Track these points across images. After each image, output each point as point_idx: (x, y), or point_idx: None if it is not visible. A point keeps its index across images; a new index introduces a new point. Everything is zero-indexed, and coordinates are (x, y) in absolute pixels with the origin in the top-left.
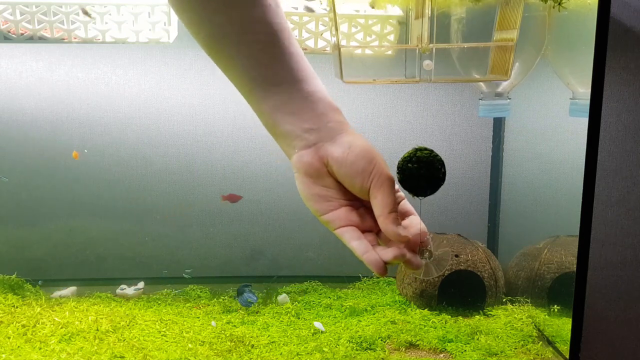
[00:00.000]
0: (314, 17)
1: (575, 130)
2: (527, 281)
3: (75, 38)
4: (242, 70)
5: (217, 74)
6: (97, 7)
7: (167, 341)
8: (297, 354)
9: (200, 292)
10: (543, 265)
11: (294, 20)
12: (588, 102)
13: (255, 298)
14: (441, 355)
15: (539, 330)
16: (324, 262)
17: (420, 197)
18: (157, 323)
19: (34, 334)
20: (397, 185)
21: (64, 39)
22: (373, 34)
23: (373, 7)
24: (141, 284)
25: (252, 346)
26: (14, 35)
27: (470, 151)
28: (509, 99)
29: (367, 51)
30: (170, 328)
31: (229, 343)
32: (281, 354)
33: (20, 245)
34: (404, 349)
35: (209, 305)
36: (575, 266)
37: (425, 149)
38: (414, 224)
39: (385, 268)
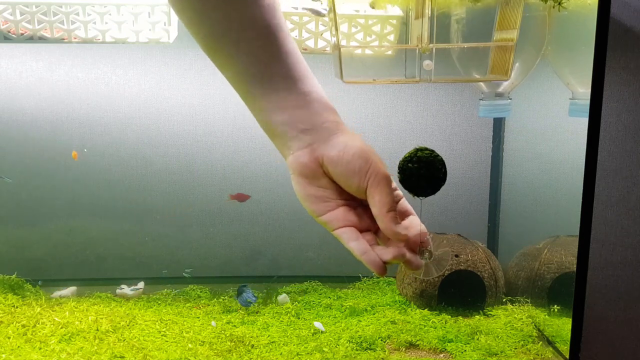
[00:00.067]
0: (314, 17)
1: (575, 130)
2: (527, 281)
3: (75, 38)
4: (239, 70)
5: (217, 74)
6: (97, 7)
7: (167, 341)
8: (297, 354)
9: (200, 292)
10: (543, 265)
11: (294, 20)
12: (588, 102)
13: (254, 298)
14: (441, 355)
15: (539, 330)
16: (324, 262)
17: (421, 197)
18: (157, 323)
19: (34, 334)
20: (395, 184)
21: (64, 39)
22: (373, 34)
23: (373, 8)
24: (141, 284)
25: (252, 346)
26: (14, 35)
27: (470, 151)
28: (510, 99)
29: (367, 51)
30: (170, 328)
31: (229, 343)
32: (281, 354)
33: (20, 245)
34: (404, 349)
35: (209, 305)
36: (575, 266)
37: (426, 149)
38: (414, 224)
39: (385, 268)
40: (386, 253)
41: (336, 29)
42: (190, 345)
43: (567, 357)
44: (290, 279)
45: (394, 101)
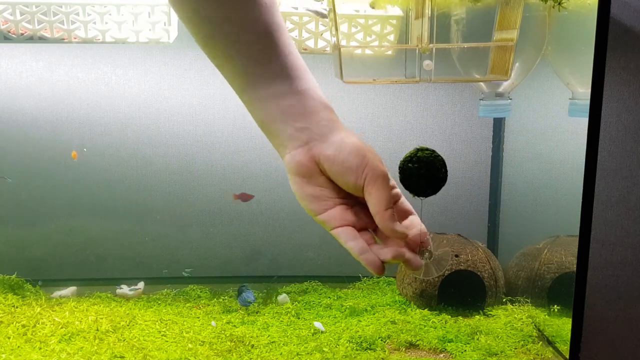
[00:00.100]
0: (314, 17)
1: (575, 130)
2: (527, 281)
3: (75, 38)
4: (236, 68)
5: (217, 74)
6: (97, 7)
7: (167, 341)
8: (297, 354)
9: (200, 292)
10: (543, 265)
11: (294, 20)
12: (587, 102)
13: (253, 297)
14: (441, 355)
15: (539, 330)
16: (324, 262)
17: (421, 197)
18: (157, 323)
19: (34, 334)
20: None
21: (64, 39)
22: (373, 34)
23: (373, 8)
24: (141, 284)
25: (252, 346)
26: (14, 35)
27: (470, 151)
28: (510, 99)
29: (367, 51)
30: (170, 328)
31: (229, 343)
32: (281, 354)
33: (20, 245)
34: (404, 349)
35: (209, 305)
36: (575, 266)
37: (427, 149)
38: (414, 223)
39: (383, 267)
40: (385, 253)
41: (336, 29)
42: (190, 345)
43: (567, 357)
44: (290, 279)
45: (394, 101)
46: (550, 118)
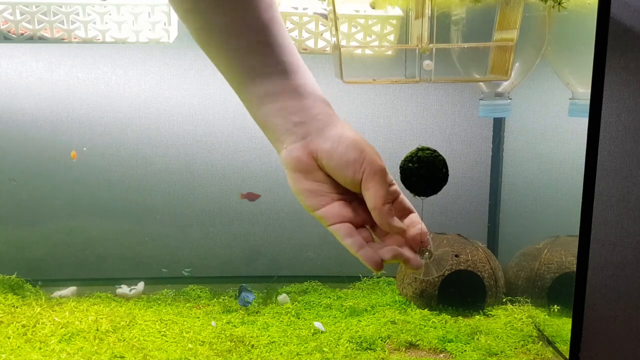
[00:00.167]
0: (314, 18)
1: (575, 130)
2: (527, 281)
3: (75, 38)
4: (233, 62)
5: (217, 74)
6: (97, 7)
7: (167, 341)
8: (297, 354)
9: (200, 292)
10: (543, 265)
11: (294, 20)
12: (587, 102)
13: (252, 297)
14: (441, 355)
15: (539, 330)
16: (324, 262)
17: (422, 197)
18: (157, 323)
19: (34, 334)
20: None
21: (64, 39)
22: (373, 34)
23: (373, 8)
24: (140, 284)
25: (252, 346)
26: (14, 35)
27: (470, 151)
28: (509, 99)
29: (367, 51)
30: (170, 328)
31: (229, 343)
32: (281, 354)
33: (20, 245)
34: (404, 349)
35: (209, 305)
36: (575, 266)
37: (428, 149)
38: (414, 222)
39: (382, 263)
40: (385, 252)
41: (336, 29)
42: (190, 345)
43: (567, 357)
44: (290, 279)
45: (394, 101)
46: (550, 118)
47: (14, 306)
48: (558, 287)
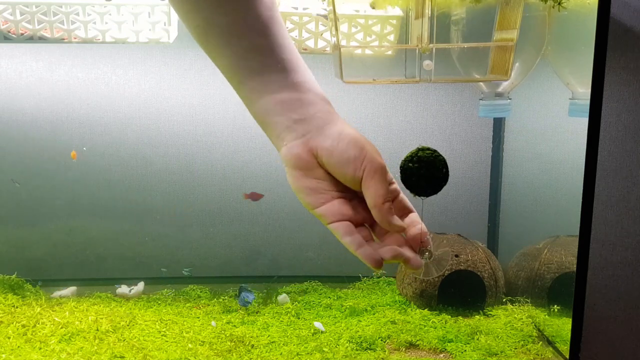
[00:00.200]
0: (314, 18)
1: (575, 130)
2: (527, 281)
3: (75, 38)
4: (233, 61)
5: (217, 74)
6: (97, 7)
7: (167, 341)
8: (297, 354)
9: (200, 292)
10: (543, 265)
11: (294, 20)
12: (587, 102)
13: (251, 297)
14: (441, 355)
15: (539, 330)
16: (324, 262)
17: (422, 197)
18: (157, 323)
19: (34, 334)
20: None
21: (64, 39)
22: (373, 34)
23: (373, 8)
24: (140, 284)
25: (252, 346)
26: (14, 35)
27: (470, 151)
28: (509, 99)
29: (367, 51)
30: (170, 328)
31: (229, 343)
32: (281, 354)
33: (20, 245)
34: (404, 349)
35: (209, 305)
36: (575, 266)
37: (428, 149)
38: (415, 222)
39: (381, 262)
40: (384, 252)
41: (336, 29)
42: (190, 345)
43: (567, 357)
44: (290, 279)
45: (394, 101)
46: (550, 118)
47: (14, 306)
48: (558, 287)
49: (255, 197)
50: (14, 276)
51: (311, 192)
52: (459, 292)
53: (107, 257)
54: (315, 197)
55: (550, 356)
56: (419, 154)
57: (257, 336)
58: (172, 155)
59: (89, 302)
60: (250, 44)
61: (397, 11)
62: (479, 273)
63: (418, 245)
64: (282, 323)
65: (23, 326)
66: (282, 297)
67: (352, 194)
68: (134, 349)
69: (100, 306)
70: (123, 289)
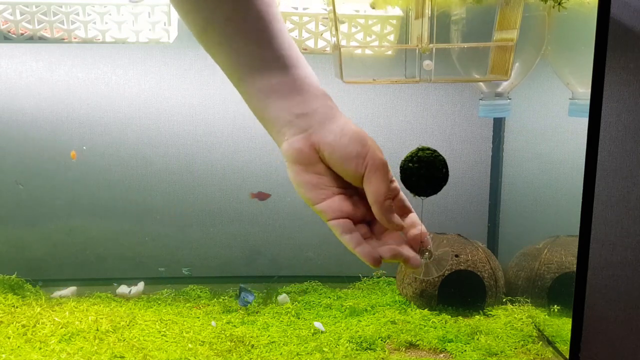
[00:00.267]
0: (314, 17)
1: (575, 130)
2: (527, 281)
3: (75, 38)
4: (232, 57)
5: (217, 74)
6: (97, 7)
7: (167, 341)
8: (297, 354)
9: (200, 292)
10: (543, 265)
11: (294, 20)
12: (587, 102)
13: (251, 297)
14: (441, 355)
15: (539, 330)
16: (324, 262)
17: (422, 197)
18: (157, 323)
19: (34, 334)
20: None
21: (64, 39)
22: (373, 34)
23: (374, 8)
24: (141, 285)
25: (252, 346)
26: (14, 35)
27: (470, 151)
28: (509, 99)
29: (367, 51)
30: (170, 328)
31: (229, 343)
32: (281, 354)
33: (20, 245)
34: (404, 349)
35: (209, 305)
36: (575, 266)
37: (428, 149)
38: (415, 223)
39: (380, 260)
40: (384, 251)
41: (336, 29)
42: (190, 345)
43: (567, 357)
44: (290, 279)
45: (394, 101)
46: (550, 118)
47: (14, 306)
48: (558, 287)
49: (262, 196)
50: (14, 276)
51: (312, 187)
52: (459, 292)
53: (107, 257)
54: (315, 193)
55: (550, 356)
56: (419, 154)
57: (257, 336)
58: (172, 155)
59: (89, 302)
60: (250, 40)
61: (397, 11)
62: (479, 273)
63: (418, 245)
64: (282, 323)
65: (23, 326)
66: (282, 297)
67: (352, 190)
68: (134, 349)
69: (100, 306)
70: (122, 288)
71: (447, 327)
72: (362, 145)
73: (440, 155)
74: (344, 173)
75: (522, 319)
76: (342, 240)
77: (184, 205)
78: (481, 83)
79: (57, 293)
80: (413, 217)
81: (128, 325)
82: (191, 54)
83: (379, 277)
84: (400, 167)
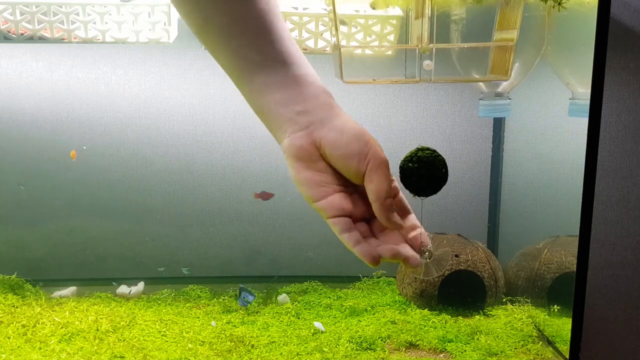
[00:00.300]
0: (314, 17)
1: (575, 130)
2: (527, 281)
3: (75, 38)
4: (233, 54)
5: (217, 74)
6: (97, 7)
7: (167, 341)
8: (297, 354)
9: (200, 292)
10: (543, 265)
11: (294, 20)
12: (587, 102)
13: (251, 297)
14: (441, 355)
15: (539, 330)
16: (324, 262)
17: (422, 197)
18: (157, 323)
19: (34, 334)
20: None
21: (64, 39)
22: (373, 34)
23: (374, 8)
24: (141, 285)
25: (252, 346)
26: (14, 35)
27: (470, 151)
28: (509, 99)
29: (367, 51)
30: (170, 328)
31: (229, 343)
32: (281, 354)
33: (20, 245)
34: (404, 349)
35: (209, 305)
36: (575, 266)
37: (428, 149)
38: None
39: (379, 259)
40: (384, 251)
41: (336, 29)
42: (190, 345)
43: (567, 357)
44: (290, 279)
45: (394, 101)
46: (550, 118)
47: (14, 306)
48: (558, 287)
49: (265, 196)
50: (14, 276)
51: (312, 184)
52: (459, 292)
53: (107, 257)
54: (316, 190)
55: (550, 356)
56: (418, 154)
57: (257, 336)
58: (172, 155)
59: (89, 302)
60: (250, 37)
61: (397, 11)
62: (479, 273)
63: (418, 246)
64: (282, 323)
65: (23, 326)
66: (282, 297)
67: (352, 188)
68: (134, 349)
69: (100, 306)
70: (122, 288)
71: (447, 327)
72: (364, 144)
73: (440, 155)
74: (345, 170)
75: (522, 319)
76: (341, 239)
77: (184, 205)
78: (481, 83)
79: (57, 293)
80: (412, 217)
81: (128, 325)
82: (191, 54)
83: (379, 277)
84: (400, 167)
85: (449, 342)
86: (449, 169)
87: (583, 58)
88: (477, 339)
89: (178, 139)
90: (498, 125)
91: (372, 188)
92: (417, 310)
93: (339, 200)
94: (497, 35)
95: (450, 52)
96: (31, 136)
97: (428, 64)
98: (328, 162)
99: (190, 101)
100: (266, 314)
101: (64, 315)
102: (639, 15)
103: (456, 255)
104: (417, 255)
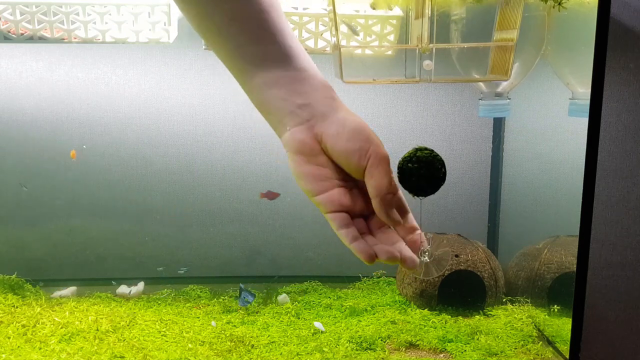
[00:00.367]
0: (314, 17)
1: (575, 130)
2: (527, 281)
3: (75, 38)
4: (233, 48)
5: (217, 74)
6: (97, 7)
7: (167, 341)
8: (297, 354)
9: (200, 292)
10: (543, 265)
11: (294, 20)
12: (587, 102)
13: (251, 297)
14: (441, 355)
15: (539, 330)
16: (324, 262)
17: (421, 197)
18: (157, 323)
19: (34, 334)
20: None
21: (64, 39)
22: (373, 34)
23: (374, 8)
24: (141, 285)
25: (252, 346)
26: (14, 35)
27: (470, 151)
28: (509, 99)
29: (367, 51)
30: (170, 328)
31: (229, 343)
32: (281, 354)
33: (20, 245)
34: (404, 349)
35: (209, 305)
36: (575, 266)
37: (426, 148)
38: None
39: (374, 257)
40: (381, 252)
41: (336, 29)
42: (190, 345)
43: (567, 357)
44: (290, 279)
45: (394, 101)
46: (550, 118)
47: (14, 306)
48: (558, 287)
49: (271, 196)
50: (14, 276)
51: (313, 178)
52: (459, 292)
53: (107, 257)
54: (316, 184)
55: (550, 356)
56: (417, 154)
57: (257, 336)
58: (172, 155)
59: (89, 302)
60: (250, 31)
61: (397, 11)
62: (479, 273)
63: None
64: (282, 323)
65: (23, 326)
66: (282, 297)
67: (352, 183)
68: (134, 349)
69: (100, 306)
70: (122, 288)
71: (447, 327)
72: (366, 139)
73: (438, 155)
74: (345, 165)
75: (522, 319)
76: (338, 234)
77: (184, 205)
78: (481, 83)
79: (57, 293)
80: (410, 218)
81: (128, 325)
82: (191, 54)
83: (379, 277)
84: (399, 167)
85: (449, 342)
86: (448, 169)
87: (583, 58)
88: (477, 339)
89: (178, 139)
90: (498, 125)
91: (373, 183)
92: (417, 310)
93: (338, 195)
94: (497, 35)
95: (450, 52)
96: (31, 136)
97: (428, 64)
98: (329, 156)
99: (190, 101)
100: (266, 314)
101: (64, 315)
102: (639, 15)
103: (456, 255)
104: (414, 256)
